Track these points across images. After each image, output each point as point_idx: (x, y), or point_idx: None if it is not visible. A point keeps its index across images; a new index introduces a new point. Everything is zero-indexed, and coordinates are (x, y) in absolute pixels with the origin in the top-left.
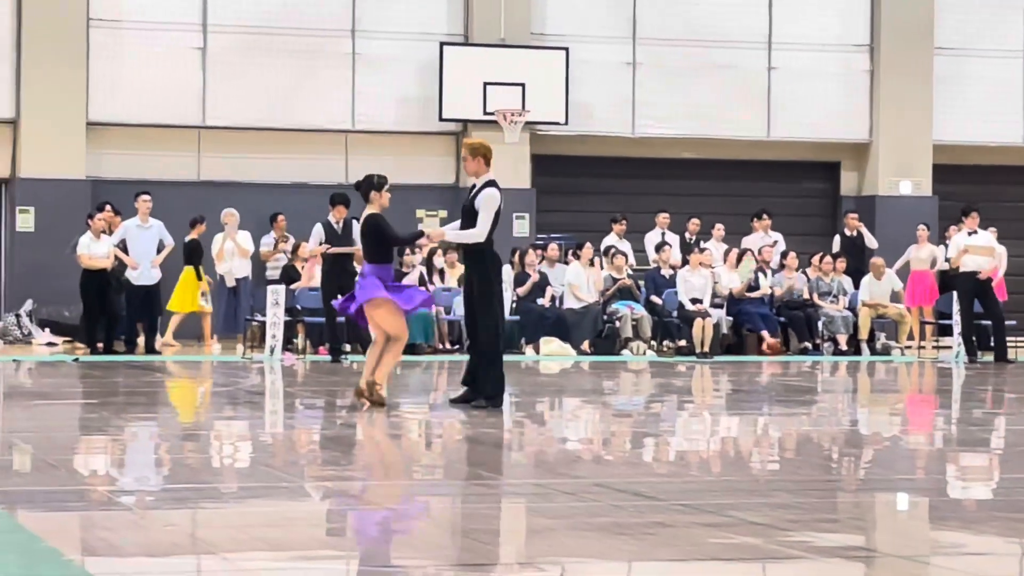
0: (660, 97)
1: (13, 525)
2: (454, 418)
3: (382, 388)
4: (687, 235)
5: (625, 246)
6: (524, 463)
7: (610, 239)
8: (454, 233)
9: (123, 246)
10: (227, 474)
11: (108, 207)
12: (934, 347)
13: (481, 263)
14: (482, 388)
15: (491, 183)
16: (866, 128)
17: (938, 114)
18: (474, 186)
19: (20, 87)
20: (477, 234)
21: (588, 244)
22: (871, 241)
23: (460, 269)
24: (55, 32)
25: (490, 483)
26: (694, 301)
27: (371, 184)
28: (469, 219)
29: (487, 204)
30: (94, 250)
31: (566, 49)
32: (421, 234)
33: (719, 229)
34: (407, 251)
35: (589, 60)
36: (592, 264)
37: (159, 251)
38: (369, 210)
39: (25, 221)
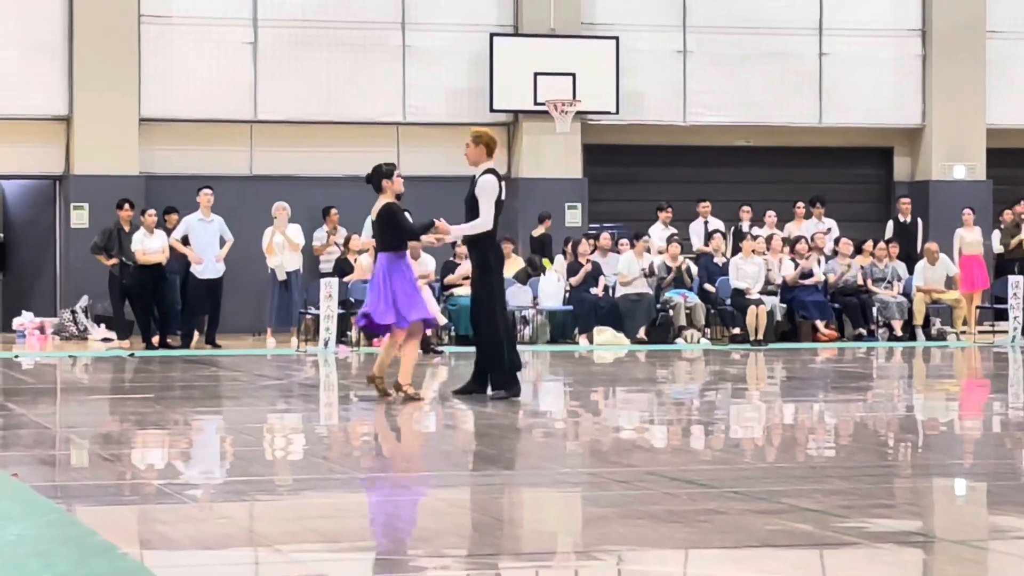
0: (711, 85)
1: (69, 519)
2: (508, 409)
3: (410, 386)
4: (741, 223)
5: (666, 233)
6: (578, 452)
7: (655, 228)
8: (459, 228)
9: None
10: (281, 467)
11: (128, 204)
12: (982, 331)
13: (483, 253)
14: (494, 380)
15: (490, 171)
16: (919, 113)
17: (991, 98)
18: (474, 177)
19: (72, 85)
20: (482, 223)
21: (646, 238)
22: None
23: (515, 260)
24: (106, 29)
25: (544, 472)
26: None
27: (380, 174)
28: (471, 210)
29: (486, 191)
30: (147, 245)
31: (616, 38)
32: (431, 224)
33: (771, 216)
34: (458, 243)
35: (640, 49)
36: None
37: (221, 246)
38: (384, 199)
39: (79, 217)
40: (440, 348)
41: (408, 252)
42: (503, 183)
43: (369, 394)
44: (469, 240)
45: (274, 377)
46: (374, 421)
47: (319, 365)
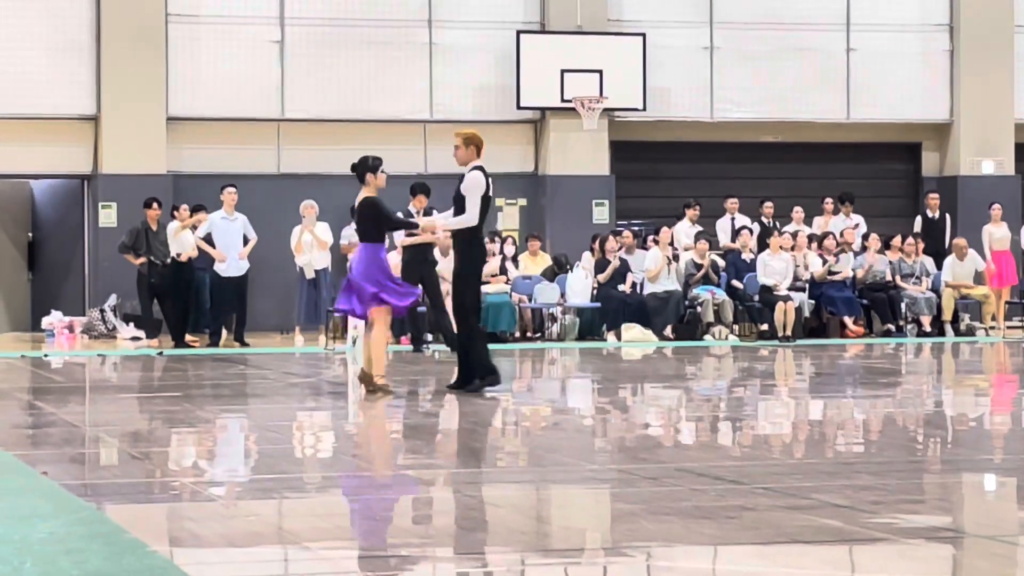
0: (738, 81)
1: (99, 517)
2: (536, 405)
3: (382, 377)
4: (763, 219)
5: (694, 231)
6: (606, 449)
7: (682, 225)
8: (445, 221)
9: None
10: (310, 464)
11: (155, 203)
12: (1011, 327)
13: (468, 249)
14: (465, 372)
15: (478, 168)
16: (947, 108)
17: (1019, 92)
18: (462, 175)
19: (100, 84)
20: (468, 219)
21: (665, 228)
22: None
23: (542, 258)
24: (134, 28)
25: (572, 468)
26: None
27: (366, 166)
28: (459, 206)
29: (472, 188)
30: (181, 234)
31: (643, 35)
32: (415, 224)
33: (798, 212)
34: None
35: (666, 45)
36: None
37: (244, 244)
38: (366, 192)
39: (108, 217)
40: (428, 343)
41: (385, 244)
42: (490, 180)
43: (396, 391)
44: (456, 237)
45: (302, 375)
46: (402, 419)
47: (347, 363)
